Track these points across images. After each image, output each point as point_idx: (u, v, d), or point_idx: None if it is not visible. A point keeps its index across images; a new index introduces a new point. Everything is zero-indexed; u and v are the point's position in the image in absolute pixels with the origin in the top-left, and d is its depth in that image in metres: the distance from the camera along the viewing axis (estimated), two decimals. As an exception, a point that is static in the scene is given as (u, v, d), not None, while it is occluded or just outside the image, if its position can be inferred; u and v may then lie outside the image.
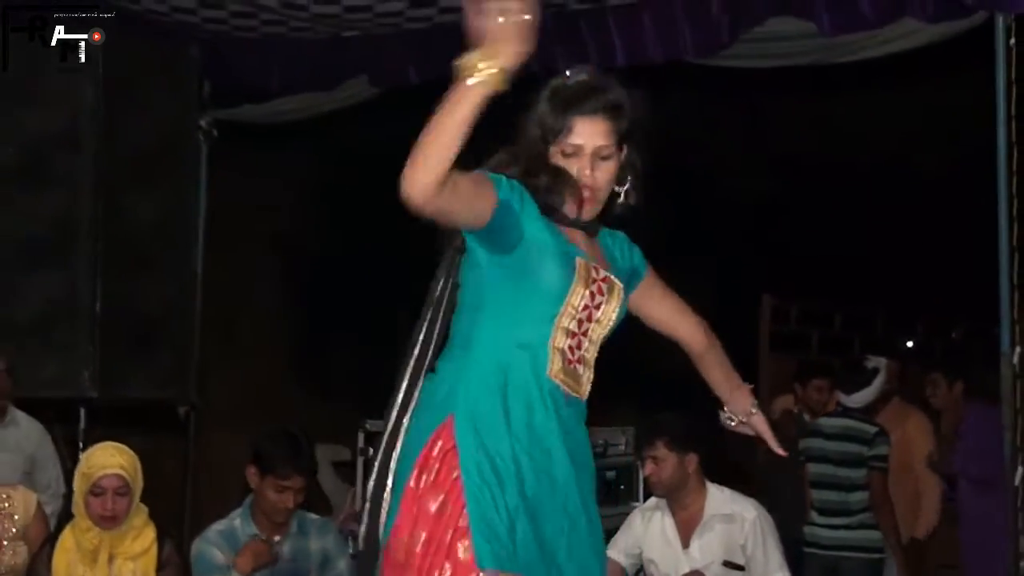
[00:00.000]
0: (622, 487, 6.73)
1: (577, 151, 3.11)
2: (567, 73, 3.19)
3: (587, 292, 3.09)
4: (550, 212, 3.09)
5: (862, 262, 10.99)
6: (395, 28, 7.29)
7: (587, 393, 3.15)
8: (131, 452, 4.93)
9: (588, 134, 3.10)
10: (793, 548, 7.21)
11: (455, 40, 7.16)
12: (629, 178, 3.21)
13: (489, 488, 2.94)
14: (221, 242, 7.95)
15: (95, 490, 4.79)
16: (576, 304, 3.08)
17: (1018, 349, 5.76)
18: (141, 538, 4.86)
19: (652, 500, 5.66)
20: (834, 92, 8.82)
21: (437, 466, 2.98)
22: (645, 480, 5.62)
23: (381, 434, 3.18)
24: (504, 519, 2.94)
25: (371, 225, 9.39)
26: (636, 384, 9.49)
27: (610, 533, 6.22)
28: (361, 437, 6.54)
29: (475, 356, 3.05)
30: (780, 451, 3.46)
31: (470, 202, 2.91)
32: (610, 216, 3.25)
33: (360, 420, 6.54)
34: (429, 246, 3.31)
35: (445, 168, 2.73)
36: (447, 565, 2.91)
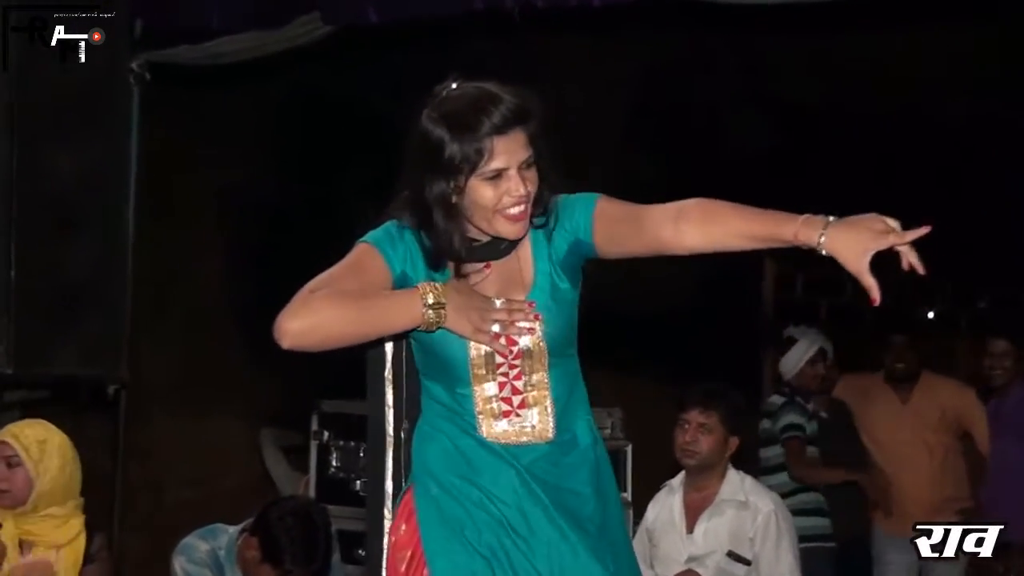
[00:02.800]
0: (607, 475, 6.70)
1: (501, 172, 3.12)
2: (444, 90, 3.21)
3: (487, 350, 3.17)
4: (452, 258, 3.18)
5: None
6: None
7: (553, 429, 3.21)
8: (42, 424, 4.97)
9: (509, 152, 3.12)
10: (853, 548, 7.28)
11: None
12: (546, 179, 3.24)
13: (451, 536, 3.14)
14: (156, 199, 7.90)
15: None
16: (480, 363, 3.17)
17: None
18: (66, 528, 4.88)
19: (667, 485, 5.73)
20: (847, 32, 8.79)
21: (403, 525, 3.21)
22: (679, 448, 5.64)
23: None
24: (473, 561, 3.11)
25: (324, 178, 9.31)
26: (621, 362, 9.48)
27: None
28: (315, 419, 6.51)
29: (425, 418, 3.26)
30: (875, 295, 3.06)
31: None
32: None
33: (314, 401, 6.50)
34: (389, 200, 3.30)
35: (324, 347, 3.02)
36: None
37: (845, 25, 8.07)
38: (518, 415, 3.18)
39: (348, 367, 3.36)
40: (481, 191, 3.11)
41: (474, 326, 3.07)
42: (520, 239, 3.22)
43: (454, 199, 3.14)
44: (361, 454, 5.97)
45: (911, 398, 7.50)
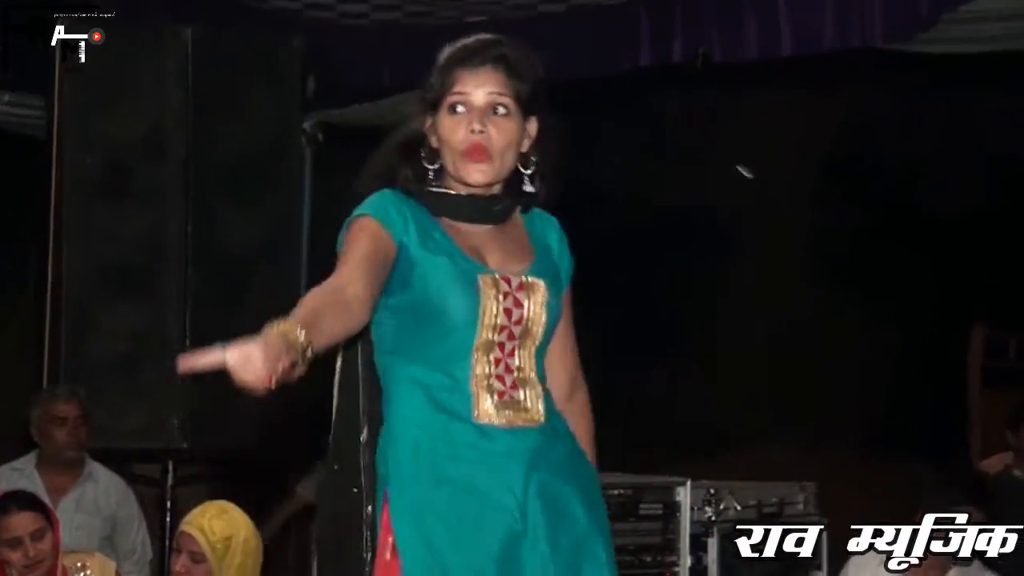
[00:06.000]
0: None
1: (464, 103, 3.18)
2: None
3: (500, 309, 3.17)
4: (440, 207, 3.20)
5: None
6: (527, 13, 7.39)
7: (543, 412, 3.21)
8: (230, 516, 5.09)
9: (475, 83, 3.18)
10: None
11: (594, 30, 7.36)
12: (535, 160, 3.26)
13: (424, 562, 3.06)
14: (329, 264, 8.02)
15: (176, 546, 5.06)
16: (490, 325, 3.16)
17: None
18: None
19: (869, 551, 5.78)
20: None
21: (389, 539, 3.11)
22: None
23: None
24: None
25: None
26: (814, 433, 9.48)
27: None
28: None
29: (397, 414, 3.18)
30: None
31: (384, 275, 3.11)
32: (526, 198, 3.29)
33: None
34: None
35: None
36: None
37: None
38: (511, 396, 3.19)
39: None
40: (443, 123, 3.19)
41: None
42: (499, 203, 3.24)
43: (428, 139, 3.22)
44: None
45: None
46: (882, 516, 5.75)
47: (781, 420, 9.29)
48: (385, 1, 7.42)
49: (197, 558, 4.96)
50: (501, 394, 3.17)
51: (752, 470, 7.64)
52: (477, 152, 3.16)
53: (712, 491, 6.47)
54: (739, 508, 6.56)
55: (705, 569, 6.41)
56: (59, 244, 6.77)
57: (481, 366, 3.17)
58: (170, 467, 6.87)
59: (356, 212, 3.20)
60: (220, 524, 5.02)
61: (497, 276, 3.18)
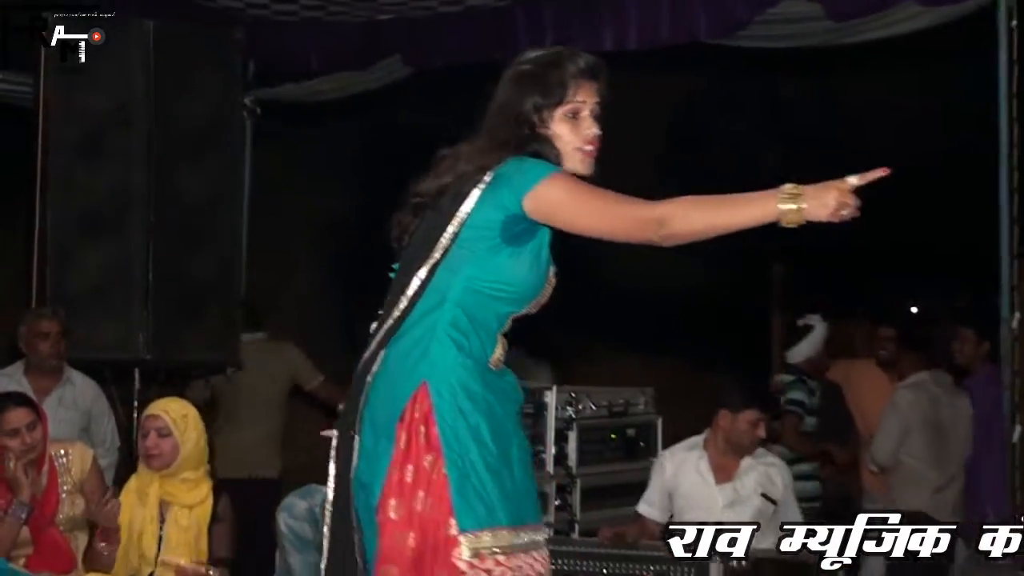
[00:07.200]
0: (641, 444, 6.85)
1: (578, 111, 3.11)
2: (528, 55, 3.20)
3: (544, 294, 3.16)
4: None
5: (872, 236, 11.01)
6: (429, 12, 7.37)
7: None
8: (184, 404, 5.17)
9: (588, 93, 3.11)
10: (839, 506, 7.22)
11: (481, 27, 7.25)
12: None
13: (468, 452, 2.97)
14: (265, 215, 8.03)
15: (142, 431, 5.08)
16: (536, 305, 3.15)
17: (1017, 314, 5.86)
18: (196, 490, 5.07)
19: (683, 444, 5.81)
20: (845, 73, 8.85)
21: (423, 428, 2.99)
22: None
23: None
24: (487, 479, 2.97)
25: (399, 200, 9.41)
26: (651, 348, 9.57)
27: (631, 486, 6.38)
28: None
29: (443, 322, 3.03)
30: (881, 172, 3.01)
31: None
32: None
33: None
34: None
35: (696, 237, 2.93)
36: (452, 522, 2.96)
37: (844, 68, 8.15)
38: (504, 345, 3.14)
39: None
40: (559, 128, 3.10)
41: (835, 207, 2.84)
42: None
43: (532, 124, 3.10)
44: None
45: (897, 378, 7.50)
46: (701, 415, 5.85)
47: (627, 339, 9.36)
48: (312, 2, 7.35)
49: (163, 432, 4.99)
50: (504, 347, 3.10)
51: (604, 378, 7.70)
52: (595, 151, 3.13)
53: (573, 395, 6.51)
54: (594, 408, 6.61)
55: (566, 456, 6.46)
56: (44, 195, 6.68)
57: (508, 325, 3.12)
58: (136, 375, 6.83)
59: (550, 169, 3.04)
60: (176, 405, 5.13)
61: (552, 273, 3.16)
